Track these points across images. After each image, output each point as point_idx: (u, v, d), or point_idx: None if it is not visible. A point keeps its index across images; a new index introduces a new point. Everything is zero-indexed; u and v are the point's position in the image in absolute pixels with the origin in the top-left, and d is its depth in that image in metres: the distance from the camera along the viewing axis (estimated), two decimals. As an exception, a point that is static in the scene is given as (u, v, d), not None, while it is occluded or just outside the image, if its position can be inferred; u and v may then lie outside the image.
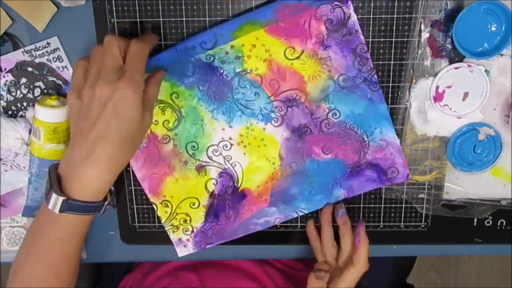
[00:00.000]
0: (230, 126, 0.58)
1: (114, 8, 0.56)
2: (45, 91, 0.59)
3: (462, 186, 0.60)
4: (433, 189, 0.60)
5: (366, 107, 0.57)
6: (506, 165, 0.59)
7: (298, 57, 0.55)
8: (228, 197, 0.60)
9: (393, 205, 0.62)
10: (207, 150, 0.59)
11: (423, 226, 0.63)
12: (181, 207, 0.61)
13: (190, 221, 0.61)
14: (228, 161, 0.59)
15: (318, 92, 0.56)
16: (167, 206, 0.61)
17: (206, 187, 0.60)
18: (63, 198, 0.47)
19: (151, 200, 0.61)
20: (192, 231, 0.61)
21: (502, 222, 0.62)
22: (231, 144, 0.58)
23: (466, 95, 0.56)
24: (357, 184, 0.59)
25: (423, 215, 0.62)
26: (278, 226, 0.63)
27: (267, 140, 0.58)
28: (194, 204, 0.60)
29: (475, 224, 0.62)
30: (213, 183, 0.60)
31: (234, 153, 0.59)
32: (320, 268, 0.58)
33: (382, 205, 0.62)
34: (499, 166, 0.59)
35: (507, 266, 1.46)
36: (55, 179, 0.49)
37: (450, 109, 0.56)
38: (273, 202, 0.60)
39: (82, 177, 0.48)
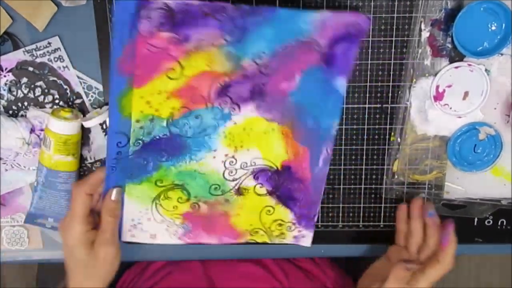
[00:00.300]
0: (215, 150, 0.56)
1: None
2: (46, 90, 0.59)
3: (463, 185, 0.60)
4: (433, 189, 0.60)
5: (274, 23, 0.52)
6: (506, 165, 0.59)
7: (182, 68, 0.52)
8: (281, 182, 0.59)
9: (393, 205, 0.62)
10: (224, 177, 0.58)
11: (423, 225, 0.63)
12: (265, 223, 0.60)
13: (283, 221, 0.60)
14: (245, 166, 0.58)
15: (226, 63, 0.53)
16: (257, 232, 0.61)
17: (259, 194, 0.59)
18: None
19: (246, 240, 0.62)
20: (294, 224, 0.61)
21: (502, 222, 0.62)
22: (232, 156, 0.57)
23: (466, 94, 0.56)
24: (340, 61, 0.54)
25: (424, 214, 0.62)
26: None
27: (246, 124, 0.56)
28: (269, 211, 0.60)
29: (475, 223, 0.62)
30: (259, 187, 0.59)
31: (243, 157, 0.57)
32: (407, 258, 0.57)
33: (382, 205, 0.62)
34: (499, 166, 0.59)
35: (507, 266, 1.46)
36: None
37: (451, 108, 0.56)
38: (305, 140, 0.57)
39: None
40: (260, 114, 0.55)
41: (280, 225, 0.61)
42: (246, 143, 0.57)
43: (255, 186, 0.59)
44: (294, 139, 0.57)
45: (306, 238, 0.62)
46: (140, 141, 0.55)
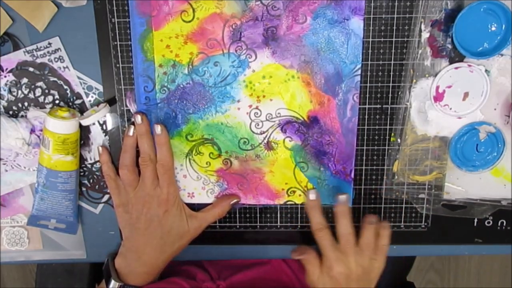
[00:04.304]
0: (238, 101, 0.58)
1: (115, 8, 0.56)
2: (46, 91, 0.59)
3: (462, 186, 0.60)
4: (433, 189, 0.60)
5: None
6: (506, 165, 0.59)
7: (194, 11, 0.55)
8: (311, 135, 0.59)
9: (393, 205, 0.62)
10: (251, 130, 0.59)
11: (423, 226, 0.63)
12: (301, 181, 0.61)
13: (319, 178, 0.61)
14: (271, 118, 0.58)
15: (234, 4, 0.55)
16: (294, 192, 0.61)
17: (287, 147, 0.59)
18: (120, 283, 0.60)
19: (284, 201, 0.62)
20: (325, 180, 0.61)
21: (502, 222, 0.62)
22: (256, 107, 0.58)
23: (466, 95, 0.56)
24: None
25: (423, 215, 0.62)
26: (278, 226, 0.63)
27: (265, 72, 0.57)
28: (303, 168, 0.60)
29: (475, 224, 0.62)
30: (289, 141, 0.59)
31: (267, 107, 0.58)
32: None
33: (382, 205, 0.62)
34: (500, 167, 0.59)
35: (507, 266, 1.46)
36: (113, 269, 0.61)
37: (451, 109, 0.57)
38: (328, 88, 0.58)
39: (135, 273, 0.60)
40: (277, 61, 0.57)
41: (317, 183, 0.61)
42: (268, 93, 0.58)
43: (284, 140, 0.59)
44: (316, 88, 0.57)
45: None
46: (165, 89, 0.58)
